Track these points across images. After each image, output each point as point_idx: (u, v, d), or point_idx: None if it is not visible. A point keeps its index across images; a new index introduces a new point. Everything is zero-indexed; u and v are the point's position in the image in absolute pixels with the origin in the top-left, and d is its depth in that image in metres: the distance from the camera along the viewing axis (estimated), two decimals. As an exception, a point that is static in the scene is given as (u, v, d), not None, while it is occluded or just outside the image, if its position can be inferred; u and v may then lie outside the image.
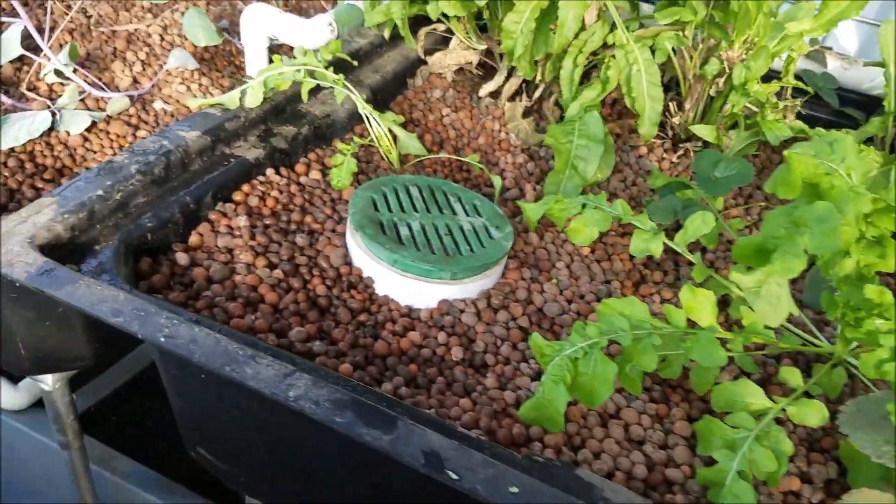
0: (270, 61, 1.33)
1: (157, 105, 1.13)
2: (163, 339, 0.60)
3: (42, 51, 1.24)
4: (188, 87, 1.18)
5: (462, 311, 0.79)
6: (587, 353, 0.62)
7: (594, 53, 1.14)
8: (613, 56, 1.08)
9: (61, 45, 1.31)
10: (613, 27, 1.09)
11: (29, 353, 0.82)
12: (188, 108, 1.15)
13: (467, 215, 0.88)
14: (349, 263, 0.84)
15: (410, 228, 0.84)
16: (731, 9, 1.07)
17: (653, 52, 1.08)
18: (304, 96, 1.01)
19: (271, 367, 0.59)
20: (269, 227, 0.87)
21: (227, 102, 0.97)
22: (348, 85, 1.02)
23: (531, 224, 0.90)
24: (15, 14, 1.39)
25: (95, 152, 1.02)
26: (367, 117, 1.04)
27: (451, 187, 0.93)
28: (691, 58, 1.13)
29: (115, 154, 1.01)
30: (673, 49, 1.13)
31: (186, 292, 0.77)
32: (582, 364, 0.62)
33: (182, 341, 0.60)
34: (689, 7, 1.06)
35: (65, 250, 0.74)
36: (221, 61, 1.32)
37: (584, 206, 0.84)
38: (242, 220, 0.87)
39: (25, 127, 1.00)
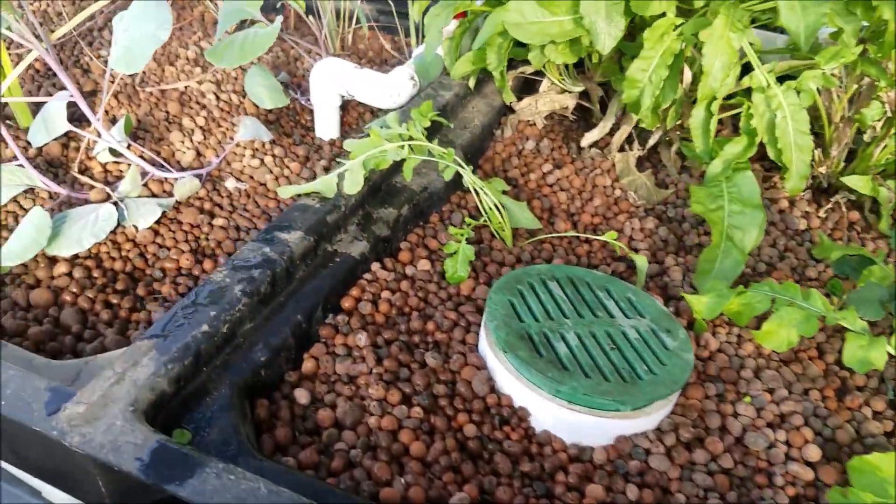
0: (342, 120, 1.20)
1: (230, 184, 1.00)
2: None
3: (88, 122, 1.11)
4: (261, 161, 1.04)
5: (648, 452, 0.65)
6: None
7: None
8: (748, 99, 0.94)
9: (106, 112, 1.18)
10: (746, 67, 0.95)
11: (110, 492, 0.69)
12: (264, 184, 1.01)
13: (627, 317, 0.74)
14: (495, 390, 0.70)
15: (567, 342, 0.70)
16: (889, 41, 0.92)
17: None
18: (408, 175, 0.88)
19: None
20: (392, 343, 0.74)
21: (324, 190, 0.83)
22: (458, 159, 0.88)
23: (701, 323, 0.76)
24: (51, 76, 1.25)
25: (169, 249, 0.89)
26: (477, 191, 0.90)
27: (595, 277, 0.79)
28: (839, 98, 0.98)
29: (203, 263, 0.87)
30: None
31: (316, 444, 0.63)
32: (864, 557, 0.48)
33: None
34: (841, 43, 0.91)
35: (171, 409, 0.61)
36: (287, 122, 1.18)
37: (773, 300, 0.70)
38: (362, 339, 0.73)
39: (89, 227, 0.87)
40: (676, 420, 0.68)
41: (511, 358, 0.67)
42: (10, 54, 1.09)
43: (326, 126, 1.15)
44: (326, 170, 1.05)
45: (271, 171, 1.02)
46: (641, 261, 0.84)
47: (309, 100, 1.22)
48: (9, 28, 0.96)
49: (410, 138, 0.90)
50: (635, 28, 1.02)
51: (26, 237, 0.82)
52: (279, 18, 1.00)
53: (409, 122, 0.90)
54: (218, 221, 0.93)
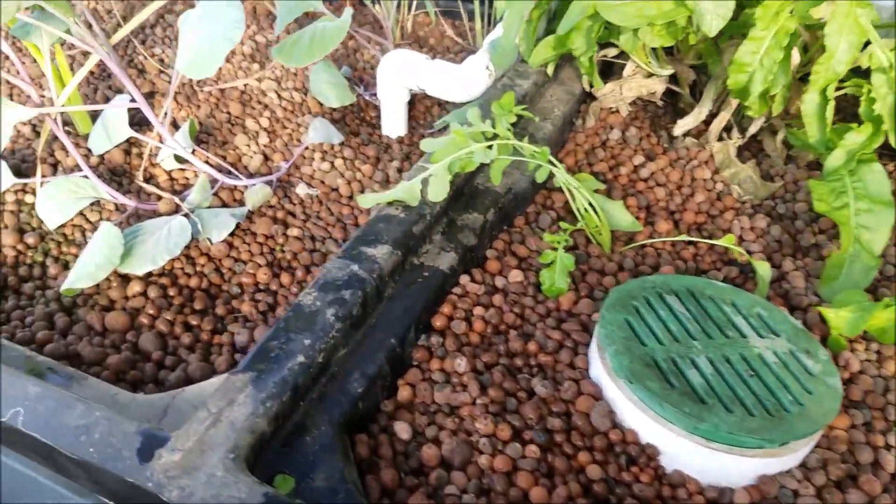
0: (410, 115, 1.13)
1: (301, 190, 0.94)
2: None
3: (149, 126, 1.06)
4: (332, 164, 0.98)
5: (797, 494, 0.58)
6: None
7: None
8: (866, 80, 0.83)
9: (165, 113, 1.13)
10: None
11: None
12: (336, 189, 0.95)
13: (760, 336, 0.66)
14: (617, 424, 0.63)
15: (699, 369, 0.62)
16: None
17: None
18: (496, 178, 0.81)
19: None
20: (493, 368, 0.67)
21: (407, 198, 0.77)
22: (553, 160, 0.80)
23: (839, 340, 0.68)
24: (107, 78, 1.20)
25: (245, 263, 0.84)
26: (571, 192, 0.83)
27: (717, 289, 0.71)
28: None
29: (280, 277, 0.81)
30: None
31: (424, 488, 0.58)
32: None
33: None
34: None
35: (270, 452, 0.56)
36: (352, 119, 1.12)
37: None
38: (462, 365, 0.67)
39: (162, 242, 0.82)
40: (824, 455, 0.60)
41: (639, 389, 0.60)
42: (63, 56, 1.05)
43: (394, 123, 1.08)
44: (399, 171, 0.99)
45: (343, 175, 0.96)
46: (764, 268, 0.75)
47: (373, 94, 1.15)
48: (67, 31, 0.91)
49: (495, 136, 0.82)
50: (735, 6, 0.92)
51: (98, 255, 0.78)
52: (348, 10, 0.93)
53: (493, 117, 0.82)
54: (292, 231, 0.87)
